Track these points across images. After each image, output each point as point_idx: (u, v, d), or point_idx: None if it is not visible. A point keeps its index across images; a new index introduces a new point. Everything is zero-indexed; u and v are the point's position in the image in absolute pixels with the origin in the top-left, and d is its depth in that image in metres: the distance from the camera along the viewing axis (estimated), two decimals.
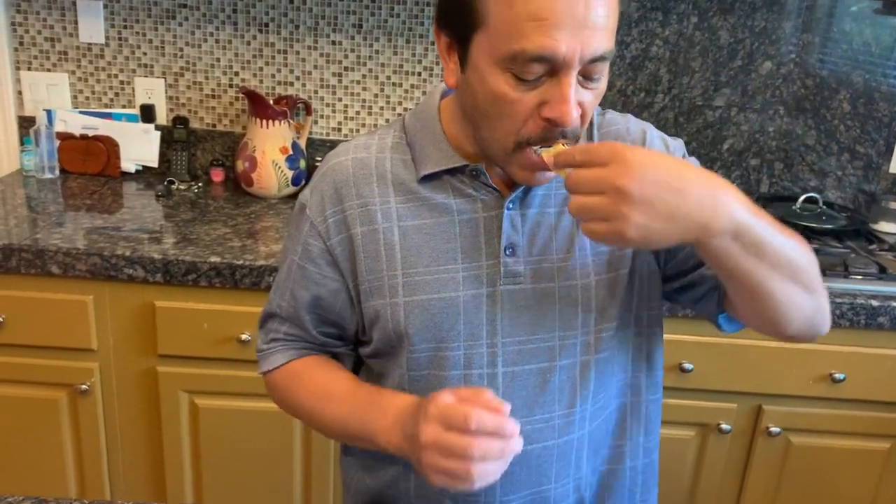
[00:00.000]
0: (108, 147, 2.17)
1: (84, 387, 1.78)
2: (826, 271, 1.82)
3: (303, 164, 2.13)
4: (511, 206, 0.97)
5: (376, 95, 2.23)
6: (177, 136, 2.19)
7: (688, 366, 1.76)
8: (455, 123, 0.98)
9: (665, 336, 1.11)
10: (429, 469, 0.83)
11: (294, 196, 2.09)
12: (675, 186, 0.78)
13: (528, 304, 0.97)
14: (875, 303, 1.73)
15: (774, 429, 1.82)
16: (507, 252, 0.96)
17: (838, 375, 1.78)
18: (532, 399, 0.98)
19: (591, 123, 1.03)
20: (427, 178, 0.98)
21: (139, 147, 2.20)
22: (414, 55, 2.20)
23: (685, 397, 1.80)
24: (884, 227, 2.21)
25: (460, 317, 0.96)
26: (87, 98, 2.23)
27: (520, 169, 0.91)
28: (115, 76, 2.21)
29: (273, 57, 2.20)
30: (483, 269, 0.97)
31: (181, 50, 2.19)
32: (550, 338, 0.98)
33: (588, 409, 1.01)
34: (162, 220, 1.92)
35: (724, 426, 1.81)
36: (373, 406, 0.95)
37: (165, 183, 2.13)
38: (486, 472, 0.81)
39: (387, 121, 2.24)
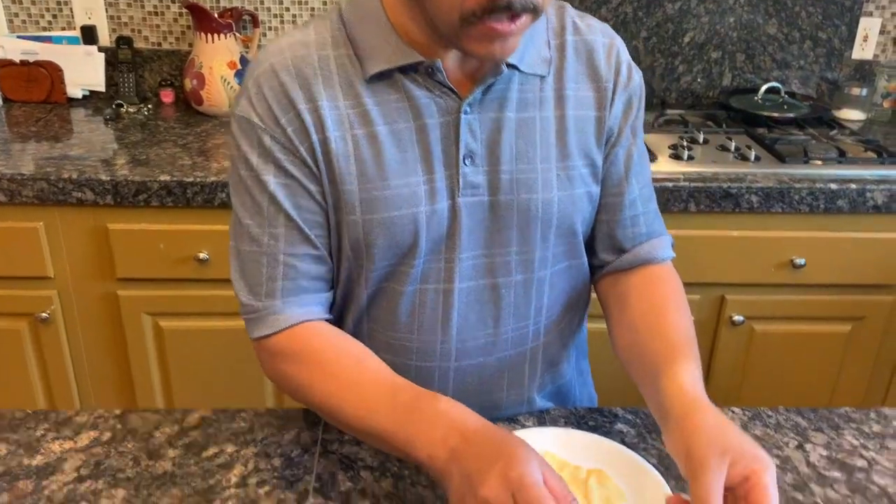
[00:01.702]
0: (52, 72, 2.10)
1: (44, 315, 1.76)
2: (785, 158, 1.81)
3: None
4: (468, 109, 0.89)
5: (325, 2, 2.15)
6: (122, 58, 2.12)
7: None
8: (400, 7, 0.87)
9: None
10: None
11: None
12: None
13: (485, 218, 0.93)
14: (834, 186, 1.73)
15: (738, 318, 1.84)
16: (466, 162, 0.90)
17: (799, 261, 1.78)
18: (487, 313, 0.97)
19: (566, 25, 0.95)
20: (376, 77, 0.88)
21: (84, 71, 2.12)
22: None
23: None
24: (847, 114, 2.19)
25: (421, 233, 0.91)
26: (24, 21, 2.14)
27: (476, 43, 0.81)
28: None
29: None
30: (442, 181, 0.90)
31: None
32: (507, 252, 0.95)
33: (542, 322, 1.01)
34: (110, 144, 1.87)
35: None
36: (415, 412, 0.81)
37: (113, 106, 2.07)
38: None
39: None
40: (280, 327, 0.90)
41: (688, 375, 0.86)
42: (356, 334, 0.98)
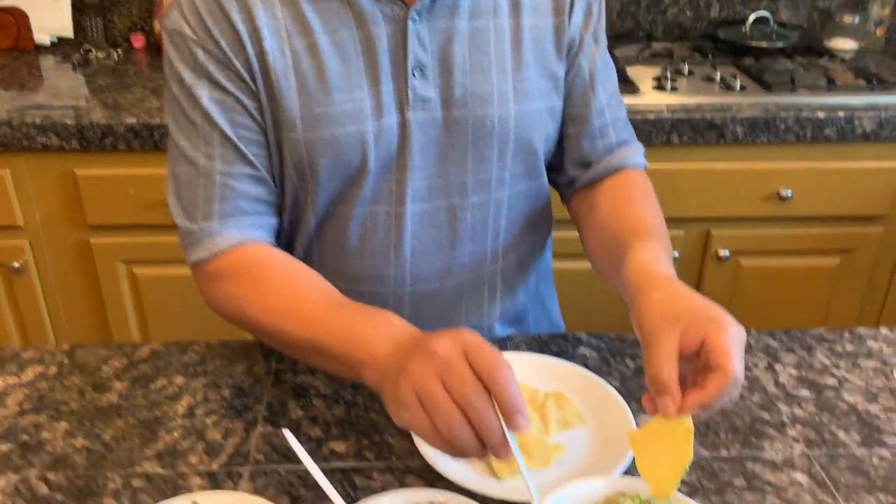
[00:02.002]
0: (17, 18, 2.04)
1: (16, 265, 1.74)
2: (772, 86, 1.75)
3: None
4: (416, 17, 0.84)
5: None
6: (88, 1, 2.06)
7: None
8: None
9: None
10: (404, 391, 0.64)
11: None
12: None
13: (439, 135, 0.88)
14: (821, 114, 1.67)
15: (724, 252, 1.80)
16: (415, 74, 0.85)
17: (785, 193, 1.74)
18: (442, 237, 0.93)
19: None
20: None
21: (50, 16, 2.06)
22: None
23: None
24: (838, 43, 2.12)
25: (369, 152, 0.86)
26: None
27: None
28: None
29: None
30: (389, 95, 0.86)
31: None
32: (462, 172, 0.91)
33: (500, 246, 0.97)
34: (78, 89, 1.82)
35: (672, 254, 1.79)
36: (360, 320, 0.75)
37: (82, 52, 2.02)
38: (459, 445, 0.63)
39: None
40: (217, 249, 0.85)
41: (646, 252, 0.82)
42: (307, 263, 0.94)
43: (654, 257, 0.81)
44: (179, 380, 0.91)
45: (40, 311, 1.82)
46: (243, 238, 0.86)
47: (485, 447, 0.63)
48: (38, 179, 1.68)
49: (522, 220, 0.98)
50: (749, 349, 0.97)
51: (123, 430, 0.83)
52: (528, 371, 0.90)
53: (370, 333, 0.73)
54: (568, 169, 1.00)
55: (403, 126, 0.87)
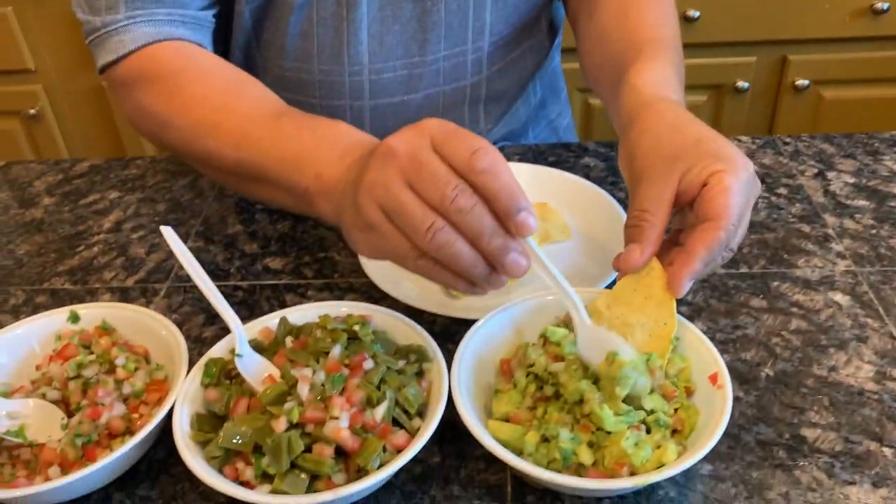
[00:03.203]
0: None
1: (32, 112, 1.67)
2: None
3: None
4: None
5: None
6: None
7: (693, 13, 1.47)
8: None
9: None
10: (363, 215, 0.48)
11: None
12: None
13: None
14: None
15: (802, 82, 1.55)
16: None
17: (881, 6, 1.46)
18: (408, 35, 0.75)
19: None
20: None
21: None
22: None
23: (692, 54, 1.50)
24: None
25: None
26: None
27: None
28: None
29: None
30: None
31: None
32: None
33: (485, 48, 0.79)
34: None
35: (742, 84, 1.55)
36: (305, 133, 0.59)
37: None
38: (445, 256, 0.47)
39: None
40: (124, 50, 0.69)
41: (646, 74, 0.63)
42: (247, 71, 0.75)
43: (659, 77, 0.63)
44: (113, 194, 0.80)
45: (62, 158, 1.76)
46: (156, 34, 0.69)
47: (489, 266, 0.47)
48: (43, 18, 1.57)
49: (514, 14, 0.79)
50: (796, 155, 0.78)
51: (41, 245, 0.73)
52: None
53: (317, 150, 0.56)
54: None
55: None
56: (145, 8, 0.69)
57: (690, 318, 0.59)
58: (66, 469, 0.48)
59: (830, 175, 0.74)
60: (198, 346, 0.60)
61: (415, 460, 0.47)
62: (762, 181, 0.70)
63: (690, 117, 0.57)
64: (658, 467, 0.45)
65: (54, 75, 1.65)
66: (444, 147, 0.46)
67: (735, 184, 0.50)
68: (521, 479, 0.49)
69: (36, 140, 1.73)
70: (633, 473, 0.45)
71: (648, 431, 0.47)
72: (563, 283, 0.49)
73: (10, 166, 0.86)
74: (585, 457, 0.45)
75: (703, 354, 0.50)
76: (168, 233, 0.56)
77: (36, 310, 0.65)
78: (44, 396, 0.53)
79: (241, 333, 0.52)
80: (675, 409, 0.48)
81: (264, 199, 0.66)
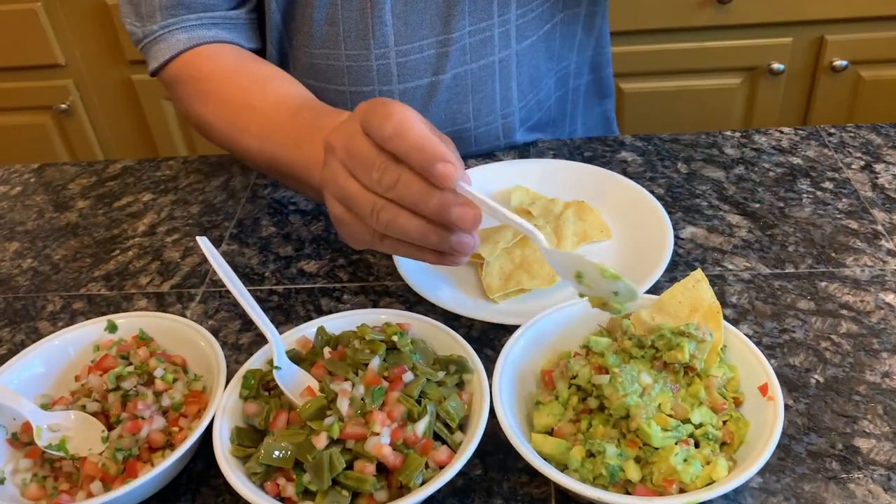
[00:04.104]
0: None
1: (63, 106, 1.68)
2: None
3: None
4: None
5: None
6: None
7: None
8: None
9: None
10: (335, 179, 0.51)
11: None
12: None
13: None
14: None
15: (840, 62, 1.51)
16: None
17: None
18: (432, 12, 0.74)
19: None
20: None
21: None
22: None
23: (726, 36, 1.49)
24: None
25: None
26: None
27: None
28: None
29: None
30: None
31: None
32: None
33: (512, 20, 0.77)
34: None
35: (777, 66, 1.51)
36: (316, 130, 0.60)
37: None
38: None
39: None
40: (165, 57, 0.73)
41: None
42: (282, 63, 0.79)
43: None
44: (147, 197, 0.79)
45: (95, 155, 1.77)
46: (189, 40, 0.73)
47: (444, 230, 0.47)
48: (72, 12, 1.58)
49: None
50: (841, 146, 0.75)
51: (77, 249, 0.73)
52: (547, 179, 0.73)
53: (314, 142, 0.58)
54: None
55: None
56: (178, 15, 0.73)
57: (735, 322, 0.58)
58: (107, 484, 0.48)
59: (878, 167, 0.72)
60: (235, 353, 0.60)
61: (456, 473, 0.46)
62: (806, 175, 0.68)
63: None
64: (708, 483, 0.44)
65: (84, 69, 1.65)
66: (366, 126, 0.48)
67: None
68: (565, 493, 0.48)
69: (67, 134, 1.74)
70: (682, 490, 0.44)
71: (697, 446, 0.46)
72: (514, 217, 0.46)
73: (43, 168, 0.86)
74: (633, 473, 0.44)
75: (751, 363, 0.49)
76: (204, 244, 0.55)
77: (73, 317, 0.65)
78: (83, 408, 0.53)
79: (279, 345, 0.52)
80: (724, 421, 0.47)
81: (290, 186, 0.73)
